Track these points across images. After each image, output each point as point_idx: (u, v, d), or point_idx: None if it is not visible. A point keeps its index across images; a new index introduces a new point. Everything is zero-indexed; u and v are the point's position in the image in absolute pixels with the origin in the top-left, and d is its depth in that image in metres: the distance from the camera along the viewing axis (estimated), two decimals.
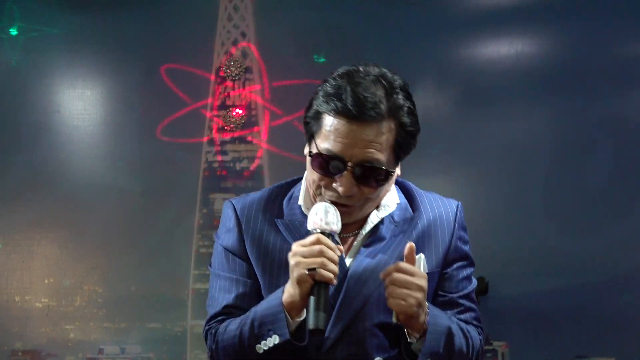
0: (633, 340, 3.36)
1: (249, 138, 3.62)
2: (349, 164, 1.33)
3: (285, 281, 1.38)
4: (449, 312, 1.48)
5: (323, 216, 1.33)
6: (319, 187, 1.40)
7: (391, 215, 1.46)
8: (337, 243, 1.38)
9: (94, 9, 3.55)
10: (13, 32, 3.52)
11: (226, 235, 1.45)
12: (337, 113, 1.34)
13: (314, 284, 1.27)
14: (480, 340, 1.49)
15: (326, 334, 1.37)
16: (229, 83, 3.61)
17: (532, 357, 3.48)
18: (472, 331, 1.47)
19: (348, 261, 1.45)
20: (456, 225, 1.47)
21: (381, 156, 1.35)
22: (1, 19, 3.52)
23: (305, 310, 1.33)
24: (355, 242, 1.46)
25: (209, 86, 3.63)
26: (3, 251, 3.52)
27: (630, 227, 3.39)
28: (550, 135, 3.51)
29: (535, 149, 3.51)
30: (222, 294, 1.43)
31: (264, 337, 1.33)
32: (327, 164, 1.36)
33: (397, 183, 1.51)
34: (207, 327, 1.43)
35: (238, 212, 1.46)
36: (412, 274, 1.33)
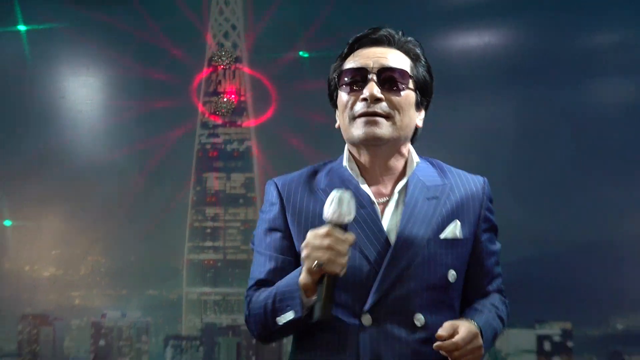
0: (586, 305, 3.54)
1: (239, 122, 3.69)
2: (370, 69, 1.39)
3: None
4: (482, 284, 1.50)
5: (336, 207, 1.30)
6: (350, 108, 1.42)
7: (422, 179, 1.46)
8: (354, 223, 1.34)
9: (94, 3, 3.64)
10: (21, 28, 3.62)
11: (270, 208, 1.47)
12: (354, 44, 1.43)
13: (322, 275, 1.28)
14: (506, 305, 1.53)
15: (373, 290, 1.38)
16: (220, 72, 3.68)
17: (516, 316, 3.49)
18: (502, 306, 1.50)
19: (386, 223, 1.43)
20: (485, 197, 1.48)
21: (398, 64, 1.41)
22: (10, 16, 3.62)
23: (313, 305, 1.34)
24: (391, 203, 1.44)
25: (202, 75, 3.70)
26: (14, 226, 3.66)
27: (585, 205, 3.53)
28: (516, 121, 3.64)
29: (502, 134, 3.62)
30: (258, 269, 1.47)
31: (282, 311, 1.35)
32: (352, 77, 1.41)
33: (426, 159, 1.53)
34: (245, 296, 1.48)
35: (280, 188, 1.48)
36: (469, 342, 1.33)
